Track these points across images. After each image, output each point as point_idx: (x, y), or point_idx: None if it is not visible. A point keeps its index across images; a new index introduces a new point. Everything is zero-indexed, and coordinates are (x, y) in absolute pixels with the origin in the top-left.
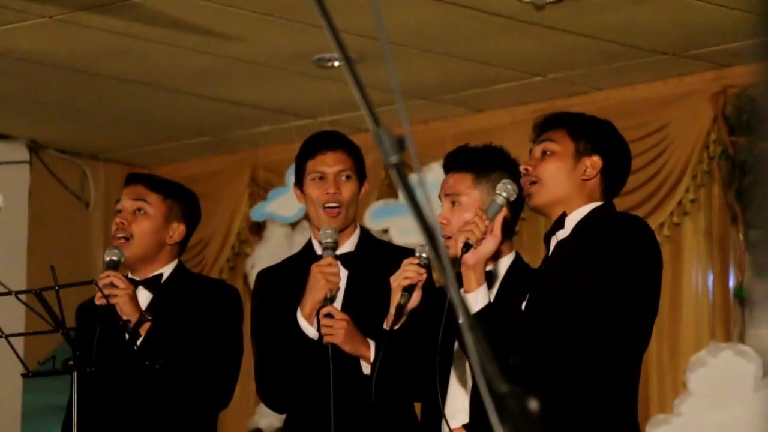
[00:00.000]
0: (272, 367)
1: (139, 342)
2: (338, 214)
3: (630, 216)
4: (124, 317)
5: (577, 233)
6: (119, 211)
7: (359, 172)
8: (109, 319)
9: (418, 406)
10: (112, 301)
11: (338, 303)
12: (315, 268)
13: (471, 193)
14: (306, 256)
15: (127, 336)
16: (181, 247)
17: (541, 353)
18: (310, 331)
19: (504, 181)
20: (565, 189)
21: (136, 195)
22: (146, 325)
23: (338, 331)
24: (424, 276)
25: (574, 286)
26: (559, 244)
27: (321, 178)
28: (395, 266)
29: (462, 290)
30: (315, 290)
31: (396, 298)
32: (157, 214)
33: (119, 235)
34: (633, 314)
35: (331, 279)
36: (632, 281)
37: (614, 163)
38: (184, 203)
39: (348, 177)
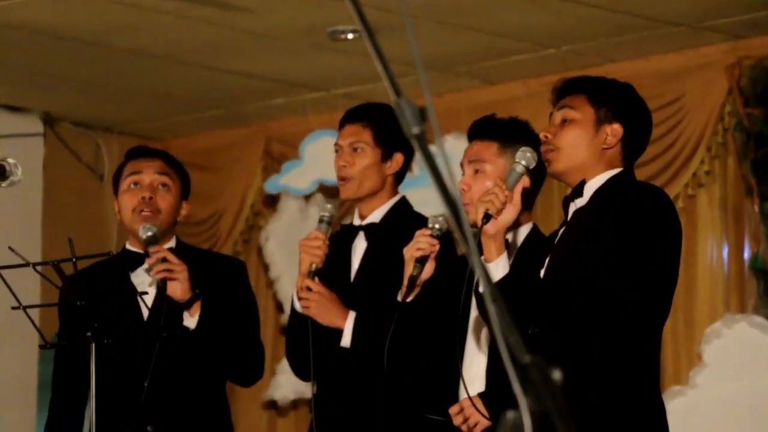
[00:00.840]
0: (287, 338)
1: (195, 320)
2: (347, 184)
3: (648, 185)
4: (178, 294)
5: (595, 202)
6: (136, 183)
7: (381, 142)
8: (126, 290)
9: None
10: (170, 277)
11: (353, 274)
12: (300, 242)
13: (496, 161)
14: (343, 229)
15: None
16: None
17: (560, 323)
18: (297, 303)
19: (523, 149)
20: (585, 157)
21: (160, 169)
22: (197, 303)
23: (311, 303)
24: (437, 247)
25: (592, 256)
26: (577, 212)
27: (337, 151)
28: None
29: (482, 259)
30: (301, 264)
31: (408, 270)
32: (176, 191)
33: (146, 210)
34: (651, 283)
35: (313, 252)
36: (651, 250)
37: (635, 130)
38: (187, 179)
39: (358, 149)
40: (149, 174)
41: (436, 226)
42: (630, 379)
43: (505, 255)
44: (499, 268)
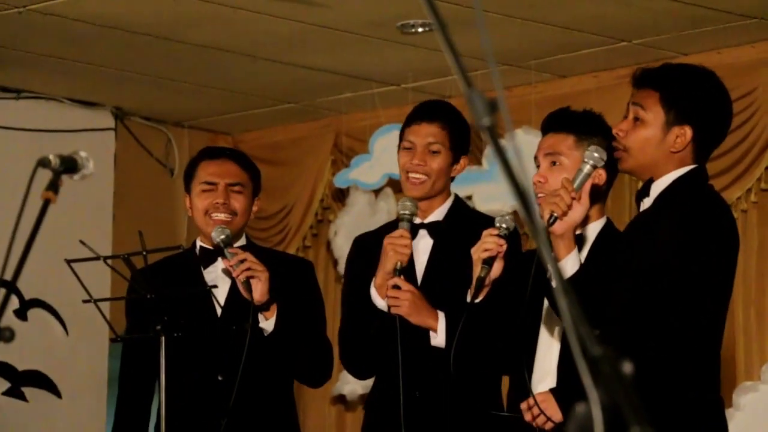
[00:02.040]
0: (350, 334)
1: (271, 323)
2: (421, 184)
3: (710, 194)
4: (256, 295)
5: (657, 205)
6: (211, 185)
7: (454, 146)
8: (198, 285)
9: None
10: (253, 276)
11: (420, 273)
12: (386, 240)
13: (572, 154)
14: (392, 228)
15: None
16: None
17: (623, 327)
18: (380, 302)
19: (590, 147)
20: (653, 158)
21: (230, 174)
22: (274, 306)
23: (403, 302)
24: (504, 247)
25: (652, 261)
26: (641, 214)
27: (409, 148)
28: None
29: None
30: (384, 261)
31: (477, 270)
32: (249, 192)
33: (219, 216)
34: (709, 292)
35: (400, 251)
36: (706, 261)
37: (707, 130)
38: (259, 176)
39: (437, 151)
40: (223, 177)
41: (503, 225)
42: (690, 380)
43: (574, 252)
44: (568, 266)
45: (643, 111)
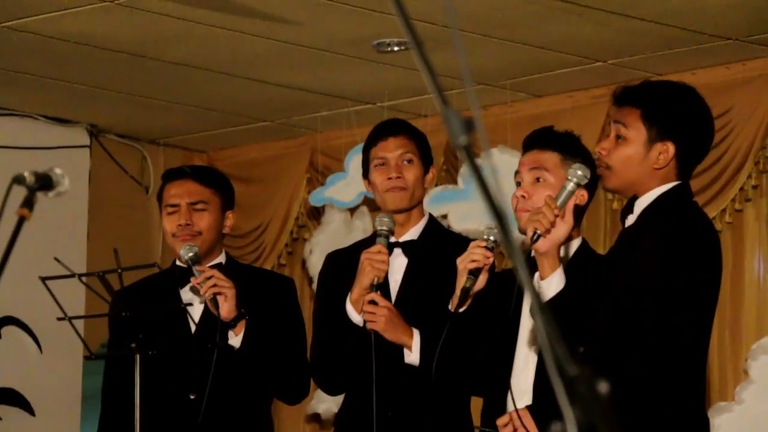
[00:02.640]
0: (324, 348)
1: (240, 339)
2: (401, 195)
3: (693, 211)
4: (223, 313)
5: (641, 222)
6: (173, 207)
7: (423, 157)
8: (171, 302)
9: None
10: (220, 292)
11: (394, 291)
12: (363, 255)
13: (558, 172)
14: (373, 243)
15: (192, 324)
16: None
17: (606, 344)
18: (355, 317)
19: (574, 166)
20: (637, 175)
21: (190, 194)
22: (242, 322)
23: (379, 318)
24: (491, 260)
25: (635, 279)
26: (625, 231)
27: (383, 164)
28: (457, 256)
29: (537, 276)
30: (361, 277)
31: (461, 281)
32: (215, 209)
33: (185, 236)
34: (692, 309)
35: (377, 266)
36: (693, 276)
37: (689, 146)
38: (229, 190)
39: (410, 161)
40: (183, 197)
41: (491, 237)
42: (674, 398)
43: (559, 271)
44: (552, 284)
45: (624, 128)
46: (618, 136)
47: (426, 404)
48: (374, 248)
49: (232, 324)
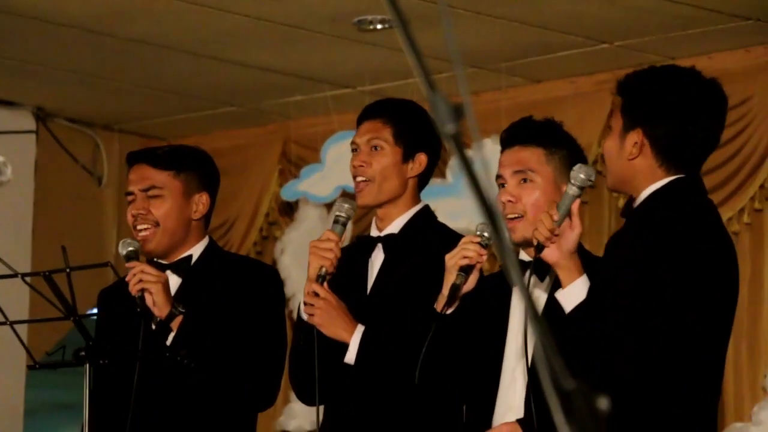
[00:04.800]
0: (292, 356)
1: (170, 338)
2: (364, 188)
3: (686, 210)
4: (156, 311)
5: (629, 226)
6: (130, 195)
7: (403, 140)
8: (143, 308)
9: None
10: (146, 288)
11: (369, 289)
12: (310, 243)
13: (544, 170)
14: (360, 240)
15: (153, 327)
16: (207, 219)
17: (596, 356)
18: (303, 311)
19: (576, 168)
20: (618, 170)
21: (143, 180)
22: (177, 319)
23: (316, 311)
24: (484, 258)
25: (619, 291)
26: (612, 237)
27: (354, 150)
28: (442, 252)
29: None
30: (309, 267)
31: (450, 278)
32: (173, 194)
33: (141, 227)
34: (672, 315)
35: (322, 254)
36: (666, 281)
37: (661, 132)
38: (199, 169)
39: (377, 147)
40: (136, 184)
41: (485, 234)
42: (681, 417)
43: (580, 281)
44: (571, 295)
45: (611, 118)
46: (609, 127)
47: (371, 407)
48: (323, 235)
49: (166, 322)
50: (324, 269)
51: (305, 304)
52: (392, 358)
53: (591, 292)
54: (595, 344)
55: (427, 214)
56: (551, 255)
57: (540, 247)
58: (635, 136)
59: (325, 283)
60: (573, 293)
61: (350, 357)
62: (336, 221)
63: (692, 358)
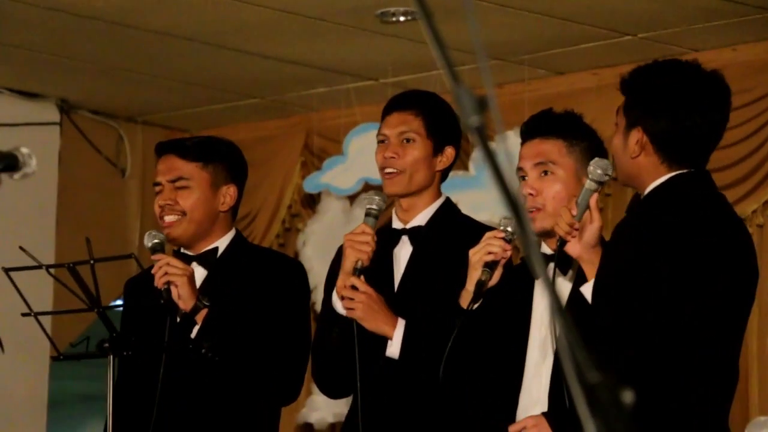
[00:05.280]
0: (314, 348)
1: (195, 331)
2: (396, 177)
3: (683, 206)
4: (181, 304)
5: (628, 220)
6: (158, 186)
7: (434, 133)
8: (169, 301)
9: None
10: (172, 282)
11: (398, 282)
12: (345, 236)
13: (565, 162)
14: (381, 232)
15: (178, 319)
16: (234, 211)
17: (603, 351)
18: (339, 306)
19: (593, 162)
20: (627, 168)
21: (171, 171)
22: (202, 313)
23: (357, 305)
24: (509, 253)
25: (615, 285)
26: (613, 232)
27: (383, 141)
28: (472, 245)
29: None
30: (344, 261)
31: (475, 275)
32: (201, 185)
33: (168, 217)
34: (664, 306)
35: (359, 248)
36: (657, 273)
37: (661, 128)
38: (227, 161)
39: (410, 140)
40: (164, 174)
41: (509, 229)
42: (679, 412)
43: None
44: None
45: (617, 116)
46: (616, 125)
47: (412, 403)
48: (357, 228)
49: (190, 315)
50: (360, 262)
51: (342, 298)
52: (435, 353)
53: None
54: (593, 338)
55: (450, 206)
56: (573, 249)
57: (562, 242)
58: (636, 135)
59: (362, 276)
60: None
61: (393, 351)
62: (368, 214)
63: (690, 352)
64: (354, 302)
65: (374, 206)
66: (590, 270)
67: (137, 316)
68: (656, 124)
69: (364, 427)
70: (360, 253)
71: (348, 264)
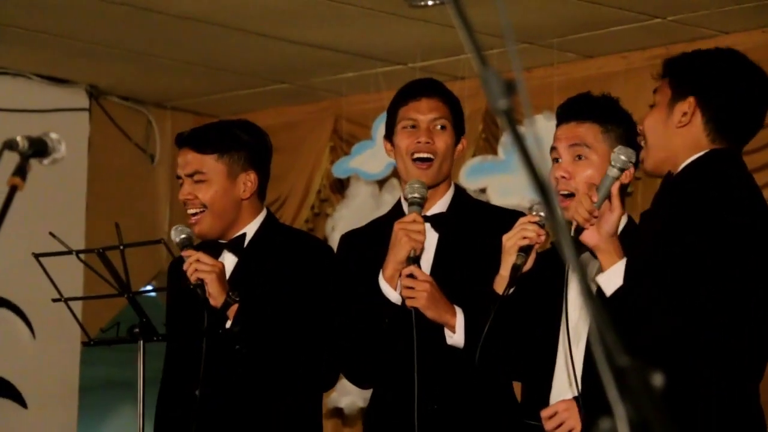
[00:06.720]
0: (352, 337)
1: (227, 325)
2: (429, 167)
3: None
4: (211, 300)
5: (663, 195)
6: (180, 179)
7: (456, 125)
8: (204, 296)
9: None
10: (203, 278)
11: (427, 268)
12: (397, 225)
13: (600, 147)
14: (394, 218)
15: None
16: (261, 195)
17: (635, 333)
18: (392, 294)
19: (617, 149)
20: (664, 143)
21: (188, 165)
22: (233, 308)
23: (420, 294)
24: (542, 238)
25: (651, 262)
26: (644, 214)
27: (413, 127)
28: (493, 228)
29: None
30: (397, 249)
31: (510, 259)
32: (218, 177)
33: (191, 211)
34: (704, 284)
35: (414, 237)
36: (694, 245)
37: (714, 101)
38: (245, 148)
39: (443, 127)
40: (183, 168)
41: (542, 213)
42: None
43: (618, 266)
44: (611, 280)
45: (656, 95)
46: (651, 106)
47: (472, 393)
48: (408, 217)
49: (222, 310)
50: (414, 251)
51: (404, 287)
52: (494, 339)
53: (627, 265)
54: (630, 317)
55: (463, 192)
56: (590, 237)
57: (579, 230)
58: (685, 106)
59: (416, 264)
60: (613, 277)
61: (457, 340)
62: (412, 203)
63: (721, 329)
64: (415, 291)
65: (417, 195)
66: (606, 260)
67: (182, 298)
68: (712, 96)
69: (419, 415)
70: (414, 242)
71: (403, 253)
